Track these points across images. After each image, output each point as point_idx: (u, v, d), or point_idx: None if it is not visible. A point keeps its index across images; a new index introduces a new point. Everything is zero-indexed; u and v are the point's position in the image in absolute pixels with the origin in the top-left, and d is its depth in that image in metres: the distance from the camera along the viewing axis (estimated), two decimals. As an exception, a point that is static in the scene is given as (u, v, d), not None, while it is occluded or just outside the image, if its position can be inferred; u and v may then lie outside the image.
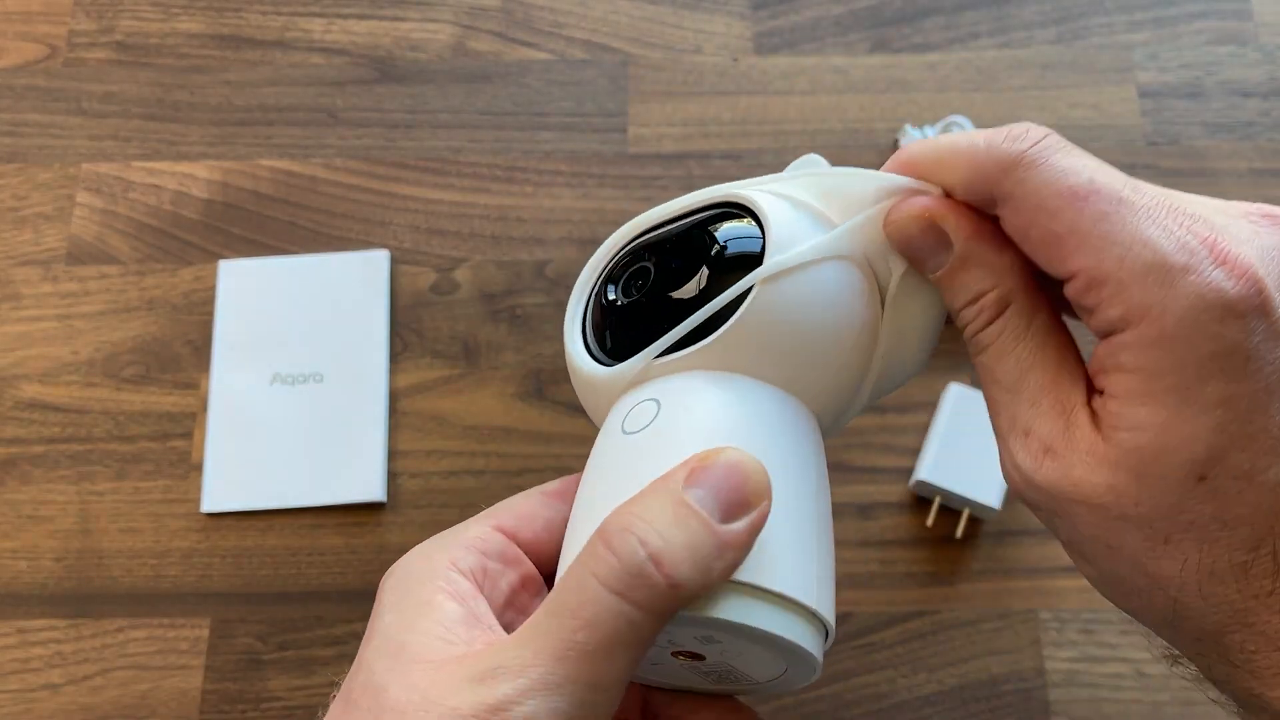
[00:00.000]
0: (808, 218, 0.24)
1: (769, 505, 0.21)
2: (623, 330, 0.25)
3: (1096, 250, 0.20)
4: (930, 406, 0.46)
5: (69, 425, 0.46)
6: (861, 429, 0.46)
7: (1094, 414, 0.21)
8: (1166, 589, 0.21)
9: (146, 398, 0.47)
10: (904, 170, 0.24)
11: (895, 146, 0.50)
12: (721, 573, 0.20)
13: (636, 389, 0.24)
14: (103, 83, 0.52)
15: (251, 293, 0.48)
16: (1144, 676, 0.42)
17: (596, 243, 0.49)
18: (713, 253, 0.24)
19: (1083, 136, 0.50)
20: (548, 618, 0.20)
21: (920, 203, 0.23)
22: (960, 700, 0.42)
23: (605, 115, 0.51)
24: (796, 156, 0.53)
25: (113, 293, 0.49)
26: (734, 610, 0.20)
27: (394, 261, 0.49)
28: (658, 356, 0.24)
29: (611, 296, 0.26)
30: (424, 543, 0.24)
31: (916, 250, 0.23)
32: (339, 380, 0.46)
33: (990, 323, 0.22)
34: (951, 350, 0.47)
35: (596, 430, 0.25)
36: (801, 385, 0.24)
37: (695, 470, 0.20)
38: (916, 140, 0.25)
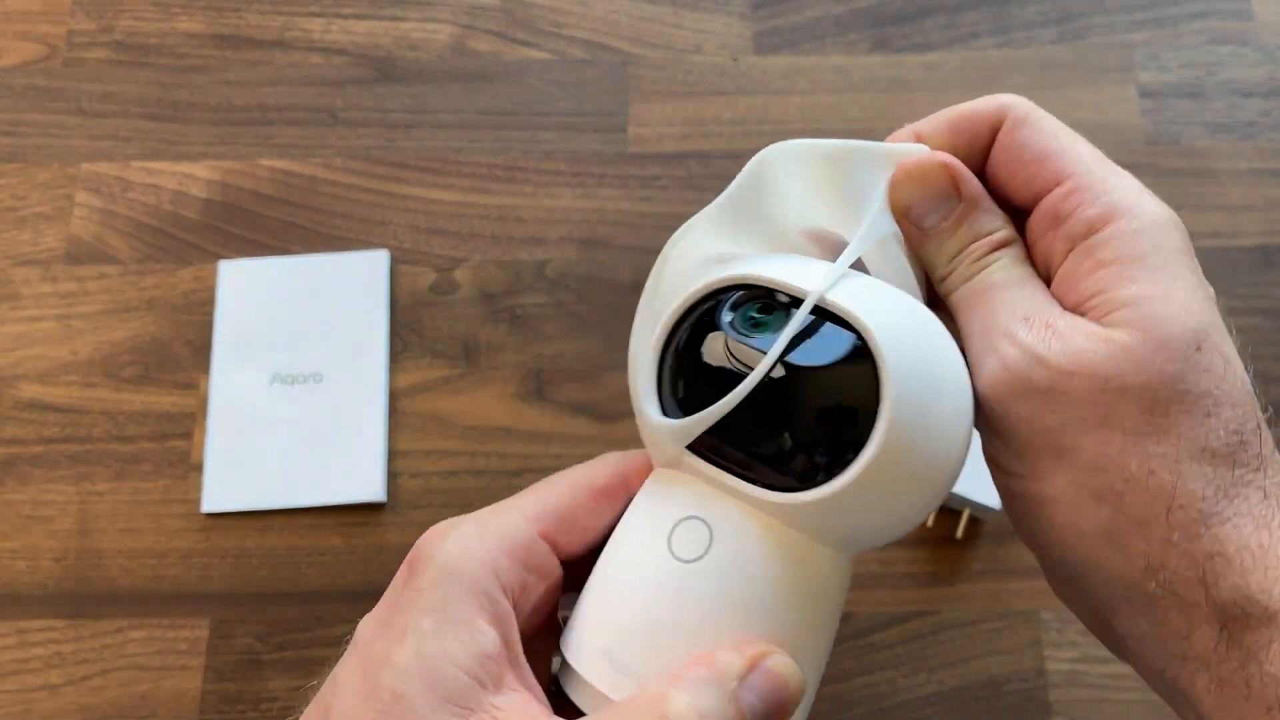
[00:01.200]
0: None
1: (799, 713, 0.23)
2: (691, 398, 0.23)
3: (1084, 162, 0.23)
4: (930, 407, 0.45)
5: (68, 425, 0.46)
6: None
7: (1084, 315, 0.22)
8: (1159, 472, 0.21)
9: (146, 398, 0.47)
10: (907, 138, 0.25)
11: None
12: None
13: (691, 490, 0.23)
14: (102, 82, 0.52)
15: (251, 293, 0.48)
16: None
17: (597, 242, 0.49)
18: (843, 418, 0.21)
19: (1083, 136, 0.50)
20: None
21: (939, 155, 0.24)
22: (960, 701, 0.42)
23: (605, 115, 0.51)
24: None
25: (112, 293, 0.48)
26: None
27: (394, 261, 0.49)
28: (736, 475, 0.22)
29: (701, 365, 0.23)
30: (466, 526, 0.23)
31: (927, 201, 0.24)
32: (339, 380, 0.46)
33: (993, 250, 0.23)
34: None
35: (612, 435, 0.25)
36: (866, 543, 0.24)
37: (754, 670, 0.22)
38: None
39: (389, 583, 0.44)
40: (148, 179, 0.51)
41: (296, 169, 0.50)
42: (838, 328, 0.22)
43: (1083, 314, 0.22)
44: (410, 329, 0.48)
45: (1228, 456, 0.21)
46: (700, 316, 0.23)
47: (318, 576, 0.44)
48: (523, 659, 0.22)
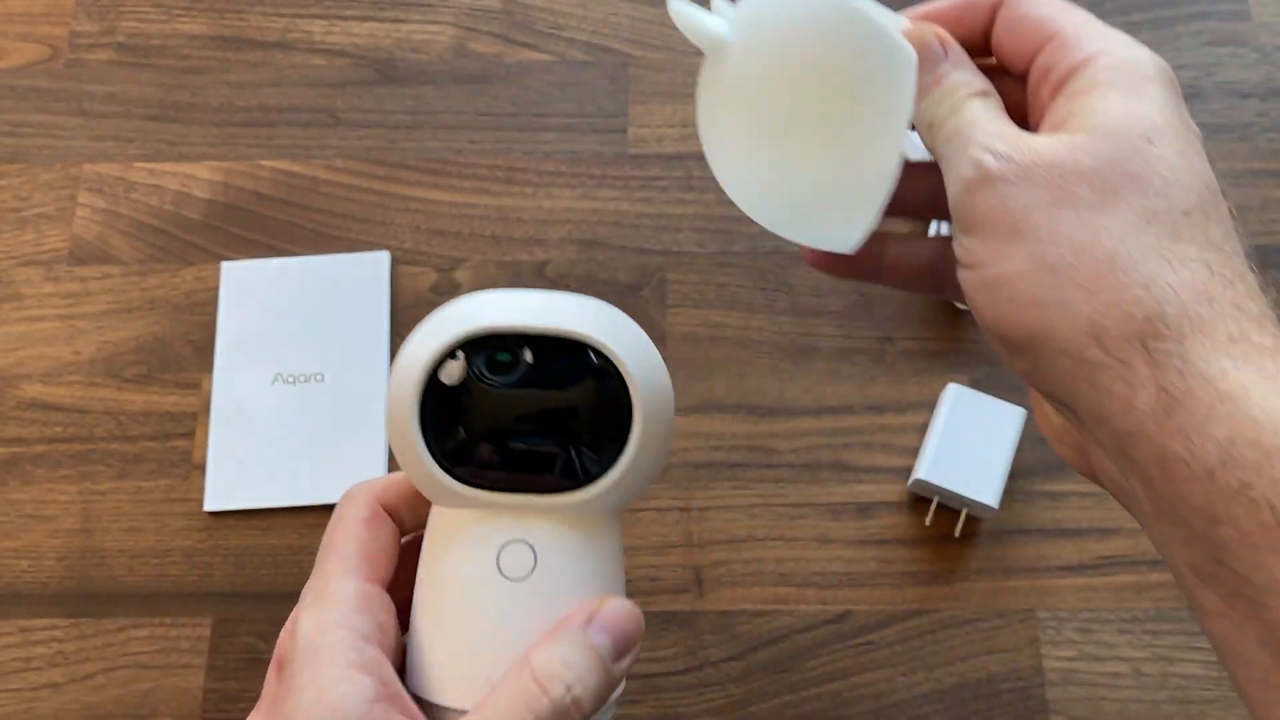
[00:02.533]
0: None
1: (639, 645, 0.26)
2: (482, 448, 0.26)
3: (1072, 20, 0.26)
4: (929, 406, 0.46)
5: (71, 425, 0.47)
6: (860, 429, 0.46)
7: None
8: (1104, 241, 0.22)
9: (148, 398, 0.47)
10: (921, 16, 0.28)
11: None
12: (608, 698, 0.26)
13: (499, 519, 0.26)
14: (104, 83, 0.53)
15: (253, 293, 0.48)
16: (1141, 675, 0.42)
17: (597, 243, 0.49)
18: (597, 414, 0.26)
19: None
20: None
21: (929, 25, 0.27)
22: (958, 699, 0.42)
23: (605, 116, 0.51)
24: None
25: (115, 293, 0.49)
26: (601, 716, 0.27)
27: (395, 262, 0.49)
28: (524, 493, 0.26)
29: (478, 420, 0.26)
30: (306, 612, 0.25)
31: (922, 63, 0.26)
32: (340, 380, 0.47)
33: (972, 95, 0.25)
34: (951, 350, 0.47)
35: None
36: (634, 497, 0.27)
37: (596, 616, 0.25)
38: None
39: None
40: (150, 180, 0.51)
41: (298, 170, 0.51)
42: (572, 345, 0.25)
43: (1062, 115, 0.24)
44: (411, 329, 0.48)
45: (1177, 229, 0.22)
46: (446, 374, 0.26)
47: (319, 575, 0.44)
48: (401, 690, 0.25)
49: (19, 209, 0.50)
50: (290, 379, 0.47)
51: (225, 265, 0.49)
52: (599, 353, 0.25)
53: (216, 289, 0.48)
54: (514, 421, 0.25)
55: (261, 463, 0.45)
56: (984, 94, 0.26)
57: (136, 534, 0.45)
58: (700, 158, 0.50)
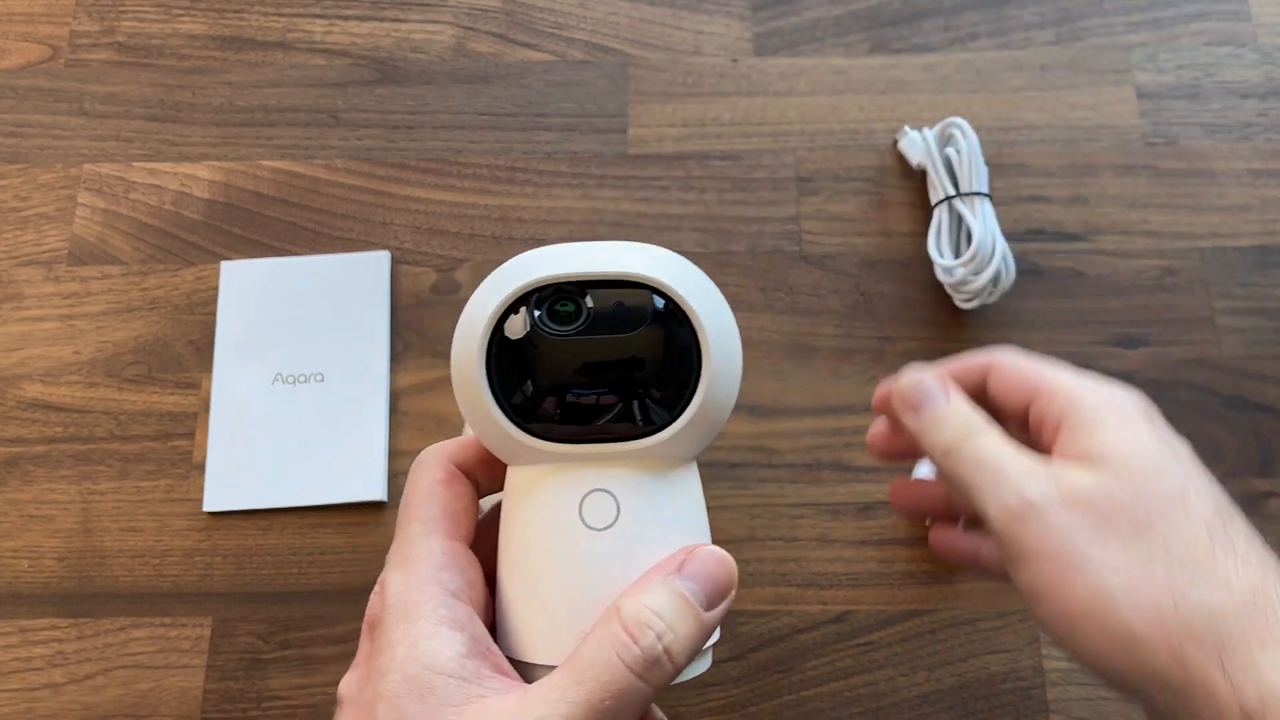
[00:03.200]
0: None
1: (734, 592, 0.26)
2: (551, 401, 0.26)
3: (1050, 377, 0.29)
4: (929, 406, 0.46)
5: (71, 425, 0.47)
6: (860, 429, 0.46)
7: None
8: (1158, 573, 0.25)
9: (148, 397, 0.47)
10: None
11: (895, 147, 0.50)
12: (700, 648, 0.25)
13: (578, 471, 0.26)
14: (104, 83, 0.53)
15: (253, 293, 0.48)
16: (1142, 675, 0.42)
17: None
18: (666, 356, 0.26)
19: (1081, 137, 0.50)
20: (576, 684, 0.23)
21: (930, 370, 0.31)
22: (959, 699, 0.42)
23: (605, 116, 0.51)
24: (796, 156, 0.53)
25: (115, 293, 0.49)
26: (694, 668, 0.27)
27: (395, 262, 0.49)
28: (599, 442, 0.26)
29: (547, 372, 0.26)
30: (393, 572, 0.25)
31: (931, 395, 0.30)
32: (340, 380, 0.47)
33: (985, 426, 0.29)
34: (951, 350, 0.47)
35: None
36: (709, 440, 0.28)
37: (686, 564, 0.25)
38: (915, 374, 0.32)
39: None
40: (150, 179, 0.51)
41: (298, 170, 0.51)
42: (635, 290, 0.25)
43: (1068, 446, 0.28)
44: (411, 329, 0.48)
45: (1213, 548, 0.25)
46: (510, 329, 0.26)
47: (319, 575, 0.44)
48: (493, 646, 0.25)
49: (19, 209, 0.50)
50: (290, 379, 0.47)
51: (225, 265, 0.49)
52: (662, 295, 0.25)
53: (216, 289, 0.48)
54: (584, 370, 0.25)
55: (261, 463, 0.45)
56: (991, 424, 0.29)
57: (136, 534, 0.45)
58: (700, 157, 0.50)
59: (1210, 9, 0.53)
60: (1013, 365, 0.30)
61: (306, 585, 0.44)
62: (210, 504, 0.45)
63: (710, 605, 0.25)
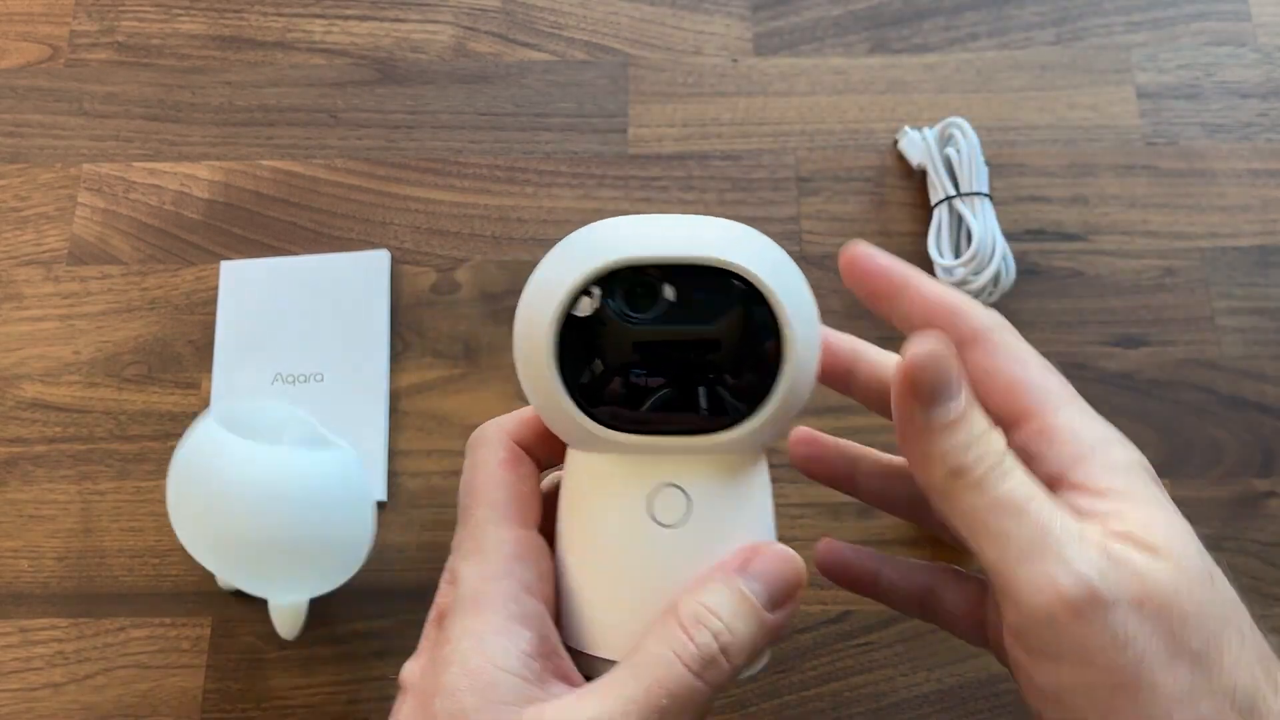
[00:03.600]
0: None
1: (801, 594, 0.24)
2: (624, 389, 0.24)
3: (1056, 404, 0.24)
4: (929, 406, 0.46)
5: (71, 425, 0.47)
6: (862, 428, 0.46)
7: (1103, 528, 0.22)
8: (1227, 701, 0.21)
9: (148, 397, 0.47)
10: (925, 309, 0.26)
11: (895, 147, 0.50)
12: (763, 651, 0.24)
13: (647, 462, 0.24)
14: (104, 83, 0.53)
15: (253, 293, 0.48)
16: (1142, 675, 0.42)
17: (597, 243, 0.49)
18: (747, 349, 0.24)
19: (1081, 137, 0.50)
20: (633, 681, 0.22)
21: (947, 346, 0.23)
22: (959, 699, 0.42)
23: (605, 116, 0.51)
24: (796, 156, 0.53)
25: (114, 293, 0.49)
26: (754, 667, 0.25)
27: (395, 262, 0.49)
28: (671, 434, 0.24)
29: (620, 360, 0.24)
30: (468, 562, 0.24)
31: (945, 390, 0.23)
32: (340, 380, 0.47)
33: (1010, 455, 0.23)
34: (950, 350, 0.47)
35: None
36: (783, 432, 0.26)
37: (749, 562, 0.24)
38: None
39: (391, 581, 0.44)
40: (150, 179, 0.51)
41: (298, 169, 0.51)
42: (716, 275, 0.23)
43: (1115, 515, 0.22)
44: (411, 329, 0.48)
45: (1270, 678, 0.21)
46: (580, 311, 0.24)
47: (319, 575, 0.44)
48: (560, 648, 0.24)
49: (19, 209, 0.50)
50: (290, 379, 0.47)
51: (225, 265, 0.49)
52: (743, 279, 0.23)
53: (216, 289, 0.48)
54: (659, 361, 0.24)
55: (261, 463, 0.45)
56: (1010, 452, 0.23)
57: (136, 534, 0.45)
58: (700, 157, 0.50)
59: (1210, 9, 0.53)
60: (1012, 359, 0.25)
61: (306, 585, 0.44)
62: (210, 504, 0.45)
63: (774, 605, 0.23)
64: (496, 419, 0.27)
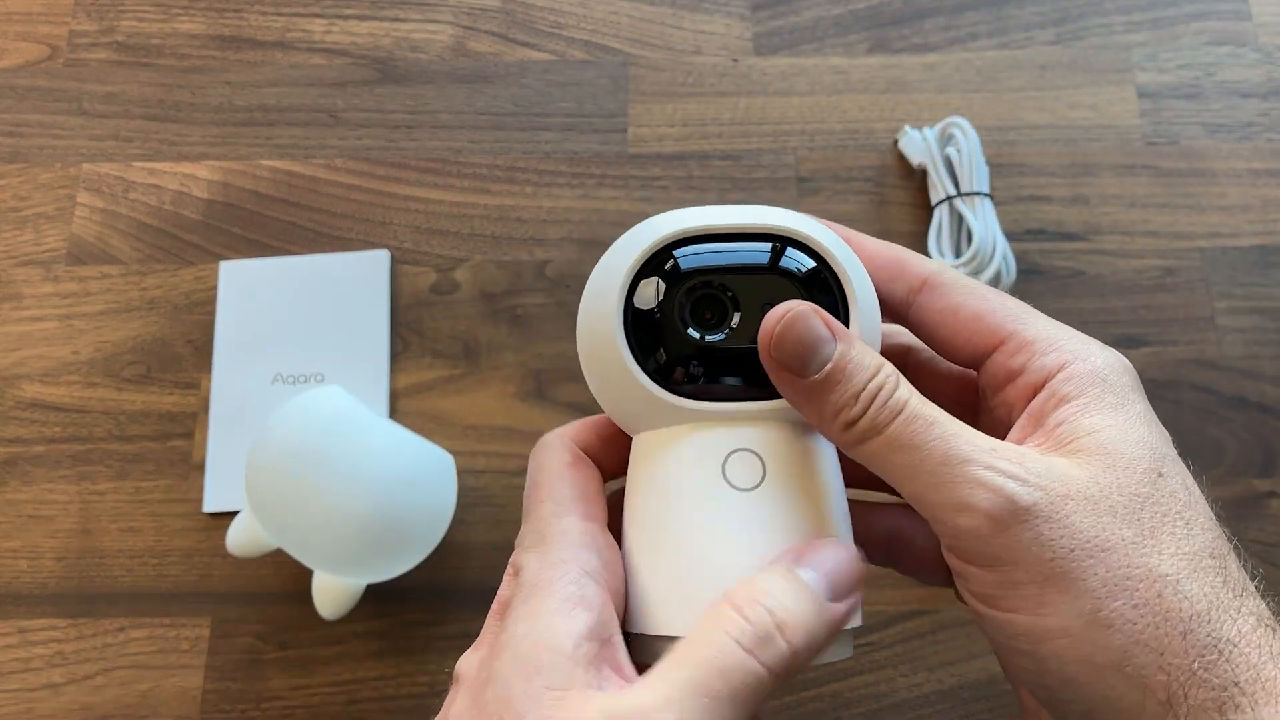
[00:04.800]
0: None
1: (863, 586, 0.23)
2: (694, 361, 0.24)
3: (1026, 320, 0.25)
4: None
5: (70, 425, 0.46)
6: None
7: (1040, 442, 0.23)
8: (1165, 594, 0.21)
9: (147, 397, 0.47)
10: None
11: (895, 147, 0.50)
12: (828, 642, 0.22)
13: (721, 429, 0.24)
14: (104, 83, 0.52)
15: (252, 293, 0.48)
16: (1143, 676, 0.42)
17: (597, 243, 0.49)
18: (803, 291, 0.24)
19: (1082, 137, 0.50)
20: (680, 667, 0.21)
21: (797, 304, 0.24)
22: (960, 699, 0.42)
23: (605, 116, 0.51)
24: (796, 156, 0.53)
25: (114, 293, 0.49)
26: (828, 654, 0.24)
27: (394, 261, 0.49)
28: (749, 400, 0.24)
29: (685, 325, 0.24)
30: (530, 553, 0.24)
31: (810, 349, 0.23)
32: (340, 380, 0.47)
33: (899, 384, 0.23)
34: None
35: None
36: None
37: (804, 553, 0.23)
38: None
39: (389, 582, 0.44)
40: (149, 179, 0.51)
41: (298, 169, 0.51)
42: (777, 243, 0.24)
43: (1050, 430, 0.23)
44: (411, 329, 0.48)
45: (1218, 575, 0.21)
46: (654, 284, 0.24)
47: (319, 576, 0.44)
48: (618, 635, 0.23)
49: (18, 209, 0.50)
50: (290, 379, 0.47)
51: (224, 265, 0.49)
52: (806, 251, 0.24)
53: (216, 289, 0.48)
54: (727, 327, 0.24)
55: (261, 463, 0.45)
56: (897, 377, 0.23)
57: (135, 534, 0.45)
58: (700, 157, 0.50)
59: (1210, 8, 0.53)
60: (968, 292, 0.25)
61: (306, 585, 0.44)
62: (210, 505, 0.45)
63: (835, 595, 0.22)
64: (558, 429, 0.27)
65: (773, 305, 0.23)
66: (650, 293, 0.24)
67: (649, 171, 0.50)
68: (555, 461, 0.26)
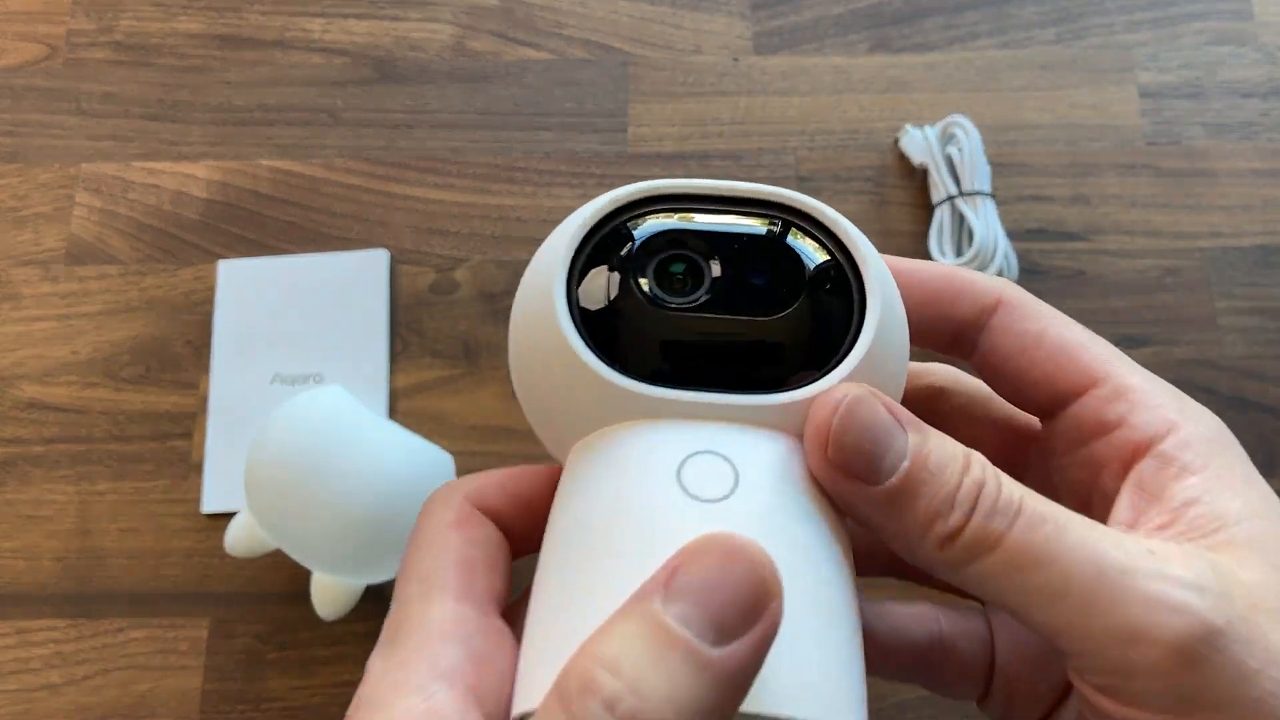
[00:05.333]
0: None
1: (780, 605, 0.15)
2: (661, 341, 0.18)
3: (1121, 361, 0.20)
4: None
5: (69, 425, 0.46)
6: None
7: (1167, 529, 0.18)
8: None
9: (146, 398, 0.47)
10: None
11: (896, 146, 0.50)
12: (722, 710, 0.15)
13: (683, 425, 0.18)
14: (102, 82, 0.52)
15: (251, 293, 0.48)
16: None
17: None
18: (811, 277, 0.19)
19: (1083, 137, 0.50)
20: None
21: (852, 386, 0.18)
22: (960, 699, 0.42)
23: (605, 115, 0.51)
24: (797, 156, 0.53)
25: (112, 293, 0.49)
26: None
27: (394, 261, 0.49)
28: (721, 391, 0.18)
29: (648, 290, 0.19)
30: (383, 653, 0.18)
31: (874, 448, 0.17)
32: (339, 380, 0.46)
33: (1000, 479, 0.17)
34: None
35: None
36: None
37: (673, 575, 0.15)
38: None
39: (389, 583, 0.44)
40: (148, 179, 0.51)
41: (297, 169, 0.51)
42: (773, 220, 0.19)
43: (1164, 528, 0.18)
44: (410, 329, 0.48)
45: None
46: (588, 292, 0.19)
47: (318, 576, 0.44)
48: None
49: (17, 209, 0.50)
50: (289, 379, 0.47)
51: (223, 264, 0.48)
52: (811, 236, 0.19)
53: (215, 289, 0.48)
54: (701, 341, 0.18)
55: (260, 463, 0.45)
56: (986, 463, 0.18)
57: (134, 535, 0.45)
58: (700, 157, 0.50)
59: (1212, 8, 0.53)
60: (1052, 317, 0.20)
61: (305, 586, 0.44)
62: (208, 505, 0.45)
63: (722, 635, 0.14)
64: (455, 479, 0.21)
65: (768, 272, 0.18)
66: (603, 254, 0.19)
67: (649, 171, 0.50)
68: (434, 524, 0.19)
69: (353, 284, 0.48)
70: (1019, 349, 0.20)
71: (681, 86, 0.52)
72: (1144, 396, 0.19)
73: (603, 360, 0.18)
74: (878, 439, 0.17)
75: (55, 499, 0.45)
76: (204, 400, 0.46)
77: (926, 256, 0.47)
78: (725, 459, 0.17)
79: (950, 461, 0.17)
